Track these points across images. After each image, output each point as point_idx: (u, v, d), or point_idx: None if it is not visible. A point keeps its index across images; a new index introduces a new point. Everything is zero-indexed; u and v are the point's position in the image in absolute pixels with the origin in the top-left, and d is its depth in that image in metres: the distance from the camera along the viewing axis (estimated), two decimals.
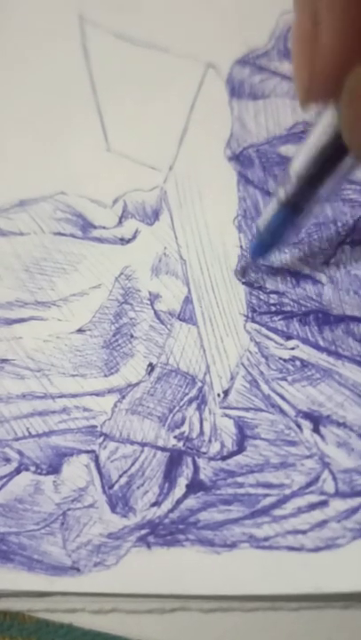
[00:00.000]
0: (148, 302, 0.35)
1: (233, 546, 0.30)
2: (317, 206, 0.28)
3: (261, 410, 0.32)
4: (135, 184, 0.37)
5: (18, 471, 0.34)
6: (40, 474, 0.33)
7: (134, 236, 0.36)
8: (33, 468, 0.34)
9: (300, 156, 0.26)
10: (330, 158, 0.25)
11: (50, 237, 0.37)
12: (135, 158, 0.37)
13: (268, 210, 0.29)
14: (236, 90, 0.37)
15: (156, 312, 0.35)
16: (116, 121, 0.38)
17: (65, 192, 0.37)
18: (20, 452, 0.34)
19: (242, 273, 0.32)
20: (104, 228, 0.37)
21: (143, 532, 0.32)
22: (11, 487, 0.34)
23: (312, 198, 0.27)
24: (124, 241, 0.36)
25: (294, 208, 0.28)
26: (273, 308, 0.33)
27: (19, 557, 0.33)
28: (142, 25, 0.39)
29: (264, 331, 0.33)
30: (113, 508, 0.32)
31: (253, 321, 0.33)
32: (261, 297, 0.34)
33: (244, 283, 0.32)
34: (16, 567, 0.33)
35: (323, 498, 0.30)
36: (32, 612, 0.33)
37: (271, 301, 0.33)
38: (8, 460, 0.34)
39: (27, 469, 0.34)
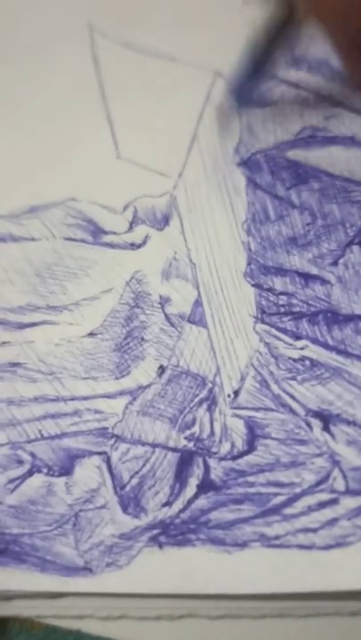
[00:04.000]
0: (159, 305, 0.35)
1: (244, 545, 0.30)
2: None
3: (271, 409, 0.32)
4: (145, 190, 0.37)
5: (30, 473, 0.34)
6: (52, 475, 0.34)
7: (145, 241, 0.37)
8: (45, 470, 0.34)
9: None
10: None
11: (61, 243, 0.37)
12: (145, 165, 0.38)
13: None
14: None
15: (166, 315, 0.35)
16: (125, 128, 0.39)
17: (76, 198, 0.38)
18: (32, 454, 0.34)
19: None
20: (115, 233, 0.37)
21: (155, 532, 0.32)
22: (24, 489, 0.34)
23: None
24: (134, 246, 0.37)
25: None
26: (282, 309, 0.34)
27: (32, 558, 0.33)
28: (151, 34, 0.39)
29: (273, 331, 0.33)
30: (125, 509, 0.32)
31: (263, 322, 0.34)
32: (271, 298, 0.34)
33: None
34: (29, 568, 0.33)
35: (333, 496, 0.30)
36: (41, 619, 0.33)
37: (280, 302, 0.34)
38: (21, 462, 0.34)
39: (39, 471, 0.34)
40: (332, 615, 0.29)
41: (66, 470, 0.34)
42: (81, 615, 0.32)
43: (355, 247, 0.34)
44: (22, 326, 0.36)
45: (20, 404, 0.35)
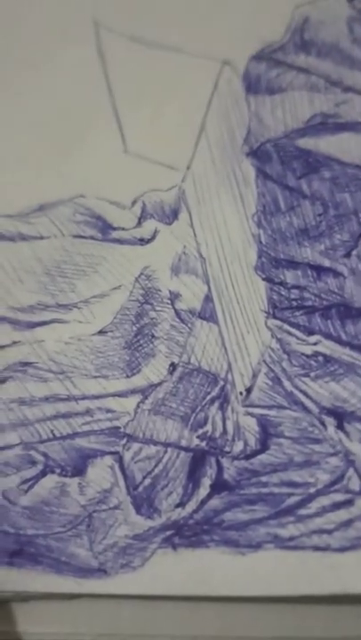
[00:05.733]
0: (169, 302, 0.35)
1: (258, 546, 0.30)
2: None
3: (284, 407, 0.31)
4: (153, 184, 0.37)
5: (43, 473, 0.34)
6: (65, 476, 0.34)
7: (153, 236, 0.36)
8: (58, 470, 0.34)
9: None
10: None
11: (70, 240, 0.37)
12: (153, 158, 0.37)
13: None
14: (252, 85, 0.37)
15: (176, 311, 0.34)
16: (133, 122, 0.38)
17: (84, 195, 0.37)
18: (45, 455, 0.34)
19: None
20: (123, 229, 0.37)
21: (168, 533, 0.31)
22: (37, 489, 0.34)
23: None
24: (143, 241, 0.36)
25: None
26: (294, 303, 0.33)
27: (47, 560, 0.33)
28: (157, 26, 0.38)
29: (286, 326, 0.33)
30: (138, 510, 0.32)
31: (275, 317, 0.33)
32: (282, 292, 0.33)
33: None
34: (45, 569, 0.33)
35: (348, 496, 0.29)
36: None
37: (292, 296, 0.33)
38: (34, 463, 0.34)
39: (52, 472, 0.34)
40: None
41: (78, 470, 0.33)
42: None
43: None
44: (32, 325, 0.36)
45: (31, 404, 0.35)
